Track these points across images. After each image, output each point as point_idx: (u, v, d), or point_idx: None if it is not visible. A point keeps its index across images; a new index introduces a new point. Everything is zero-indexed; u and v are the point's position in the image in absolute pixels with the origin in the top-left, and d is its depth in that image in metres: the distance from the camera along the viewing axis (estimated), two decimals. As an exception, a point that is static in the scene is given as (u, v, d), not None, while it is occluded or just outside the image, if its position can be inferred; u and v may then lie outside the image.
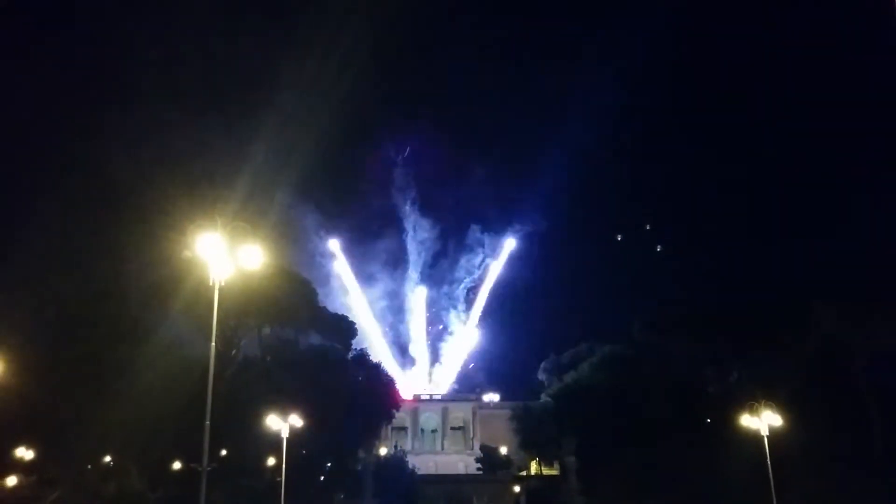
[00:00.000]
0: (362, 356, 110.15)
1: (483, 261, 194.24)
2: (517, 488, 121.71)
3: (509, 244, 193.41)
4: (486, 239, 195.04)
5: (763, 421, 53.93)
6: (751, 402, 55.64)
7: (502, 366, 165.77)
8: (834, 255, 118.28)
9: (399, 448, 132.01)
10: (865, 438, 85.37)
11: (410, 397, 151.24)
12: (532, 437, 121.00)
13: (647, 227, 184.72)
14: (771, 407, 54.22)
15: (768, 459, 53.65)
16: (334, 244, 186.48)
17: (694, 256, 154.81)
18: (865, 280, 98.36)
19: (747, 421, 55.77)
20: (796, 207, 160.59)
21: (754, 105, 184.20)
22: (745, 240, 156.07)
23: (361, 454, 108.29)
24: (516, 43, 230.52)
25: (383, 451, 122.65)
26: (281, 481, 67.07)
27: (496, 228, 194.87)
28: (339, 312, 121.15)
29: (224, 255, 26.04)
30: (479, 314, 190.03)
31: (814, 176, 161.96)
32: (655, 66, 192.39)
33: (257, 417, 69.07)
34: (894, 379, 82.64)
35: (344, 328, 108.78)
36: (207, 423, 25.79)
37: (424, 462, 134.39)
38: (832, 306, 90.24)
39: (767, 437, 53.89)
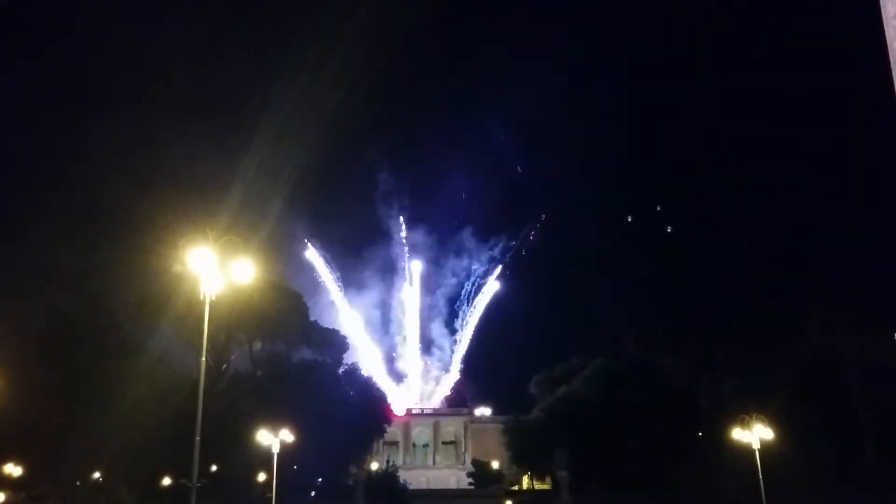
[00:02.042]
0: (353, 370, 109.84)
1: (476, 274, 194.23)
2: (509, 503, 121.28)
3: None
4: (480, 252, 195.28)
5: (755, 434, 53.93)
6: (742, 415, 55.63)
7: (494, 380, 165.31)
8: (827, 267, 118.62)
9: (390, 463, 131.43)
10: (857, 450, 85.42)
11: (402, 412, 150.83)
12: (524, 452, 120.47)
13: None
14: (762, 420, 54.22)
15: (759, 473, 53.62)
16: (320, 262, 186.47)
17: (687, 270, 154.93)
18: (858, 293, 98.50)
19: (739, 434, 55.80)
20: (791, 220, 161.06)
21: (753, 119, 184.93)
22: (738, 252, 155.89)
23: (353, 469, 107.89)
24: (513, 37, 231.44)
25: (375, 465, 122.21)
26: (272, 497, 66.77)
27: (491, 240, 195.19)
28: (331, 325, 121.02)
29: (215, 269, 25.93)
30: (472, 328, 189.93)
31: (809, 189, 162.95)
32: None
33: (248, 432, 68.80)
34: (886, 391, 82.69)
35: (335, 342, 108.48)
36: (198, 438, 25.61)
37: (416, 477, 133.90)
38: (824, 318, 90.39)
39: (759, 450, 53.90)
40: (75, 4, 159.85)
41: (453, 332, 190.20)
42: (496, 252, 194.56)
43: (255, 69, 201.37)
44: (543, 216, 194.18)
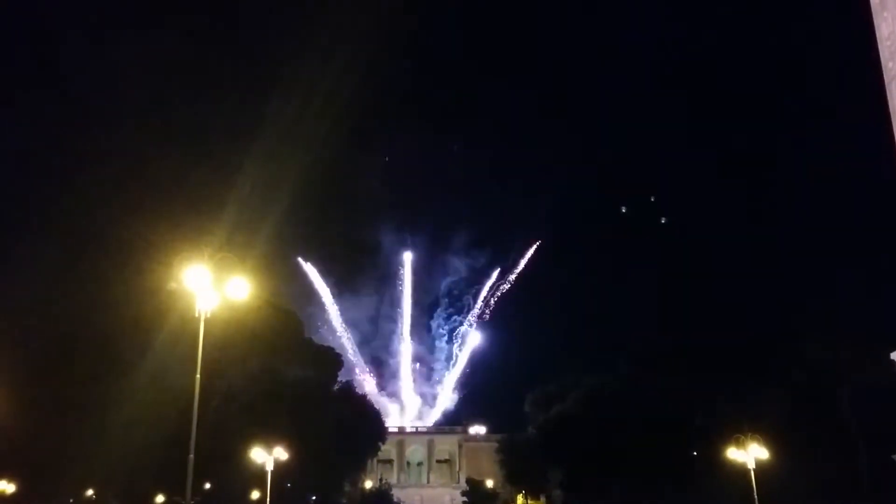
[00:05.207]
0: (348, 388, 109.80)
1: (473, 290, 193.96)
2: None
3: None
4: (477, 268, 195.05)
5: (749, 454, 53.92)
6: (737, 434, 55.68)
7: (488, 398, 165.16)
8: (821, 288, 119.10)
9: (384, 481, 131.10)
10: (852, 470, 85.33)
11: (396, 430, 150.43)
12: (518, 470, 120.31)
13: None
14: (757, 440, 54.27)
15: (755, 492, 53.59)
16: (315, 278, 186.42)
17: (682, 290, 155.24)
18: (851, 312, 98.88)
19: (734, 454, 55.80)
20: (786, 244, 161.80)
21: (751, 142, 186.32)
22: (733, 273, 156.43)
23: (347, 487, 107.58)
24: (510, 48, 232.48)
25: (369, 484, 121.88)
26: (265, 515, 66.51)
27: (487, 254, 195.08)
28: (325, 342, 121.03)
29: (210, 287, 25.94)
30: (468, 346, 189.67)
31: (804, 211, 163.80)
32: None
33: (242, 450, 68.59)
34: (880, 410, 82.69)
35: (329, 360, 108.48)
36: (191, 456, 25.54)
37: (410, 495, 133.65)
38: (818, 338, 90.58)
39: (754, 469, 53.87)
40: (66, 25, 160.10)
41: (449, 349, 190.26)
42: (492, 267, 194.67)
43: (250, 87, 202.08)
44: (539, 242, 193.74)
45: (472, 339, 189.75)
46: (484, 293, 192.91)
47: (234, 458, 72.99)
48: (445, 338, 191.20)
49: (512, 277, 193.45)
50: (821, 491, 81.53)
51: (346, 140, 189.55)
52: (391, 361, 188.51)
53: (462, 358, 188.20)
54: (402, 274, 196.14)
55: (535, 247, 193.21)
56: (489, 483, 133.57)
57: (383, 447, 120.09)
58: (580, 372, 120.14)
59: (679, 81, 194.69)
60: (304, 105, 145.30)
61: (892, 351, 18.80)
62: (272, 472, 63.66)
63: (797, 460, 76.53)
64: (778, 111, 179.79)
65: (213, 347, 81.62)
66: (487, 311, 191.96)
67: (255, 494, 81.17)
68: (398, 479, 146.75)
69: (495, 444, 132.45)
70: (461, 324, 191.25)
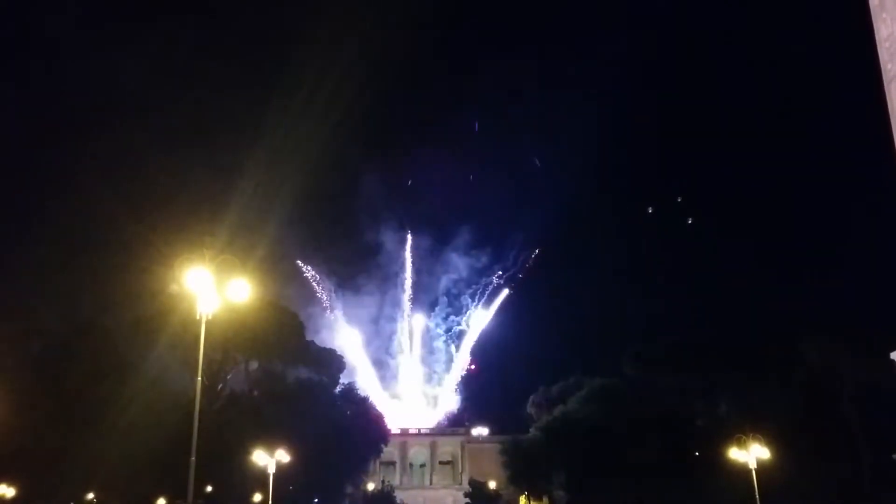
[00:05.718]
0: (350, 390, 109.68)
1: (476, 292, 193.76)
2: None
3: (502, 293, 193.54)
4: (479, 268, 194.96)
5: (751, 454, 53.92)
6: (739, 435, 55.68)
7: (491, 399, 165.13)
8: (822, 288, 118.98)
9: (387, 483, 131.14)
10: (854, 470, 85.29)
11: (398, 431, 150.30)
12: (521, 472, 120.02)
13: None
14: (759, 440, 54.26)
15: (756, 493, 53.59)
16: (317, 280, 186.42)
17: (683, 290, 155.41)
18: (852, 313, 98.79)
19: (735, 454, 55.79)
20: (786, 244, 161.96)
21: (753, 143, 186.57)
22: (735, 273, 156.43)
23: (349, 489, 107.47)
24: (520, 50, 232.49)
25: (371, 485, 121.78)
26: (267, 517, 66.51)
27: (490, 257, 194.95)
28: (327, 344, 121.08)
29: (211, 289, 25.91)
30: (470, 347, 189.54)
31: (804, 212, 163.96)
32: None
33: (244, 452, 68.59)
34: (882, 410, 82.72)
35: (332, 361, 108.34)
36: (193, 458, 25.49)
37: (413, 497, 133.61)
38: (819, 339, 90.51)
39: (756, 469, 53.87)
40: (64, 28, 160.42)
41: (451, 350, 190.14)
42: (495, 268, 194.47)
43: (253, 93, 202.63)
44: (538, 249, 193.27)
45: (473, 340, 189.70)
46: (482, 293, 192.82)
47: (236, 460, 72.99)
48: (444, 338, 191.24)
49: (513, 279, 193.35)
50: (823, 491, 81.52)
51: (347, 141, 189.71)
52: (393, 362, 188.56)
53: (465, 359, 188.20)
54: (404, 260, 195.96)
55: (536, 251, 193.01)
56: (492, 484, 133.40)
57: (386, 449, 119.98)
58: (582, 373, 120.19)
59: (680, 85, 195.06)
60: (306, 106, 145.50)
61: (892, 351, 18.80)
62: (274, 474, 63.68)
63: (799, 460, 76.49)
64: (777, 112, 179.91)
65: (214, 349, 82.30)
66: (492, 312, 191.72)
67: (258, 497, 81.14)
68: (401, 480, 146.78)
69: (498, 446, 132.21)
70: (459, 324, 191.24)
